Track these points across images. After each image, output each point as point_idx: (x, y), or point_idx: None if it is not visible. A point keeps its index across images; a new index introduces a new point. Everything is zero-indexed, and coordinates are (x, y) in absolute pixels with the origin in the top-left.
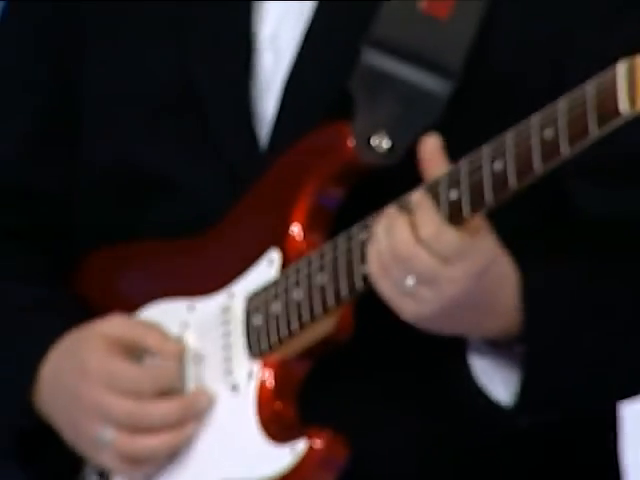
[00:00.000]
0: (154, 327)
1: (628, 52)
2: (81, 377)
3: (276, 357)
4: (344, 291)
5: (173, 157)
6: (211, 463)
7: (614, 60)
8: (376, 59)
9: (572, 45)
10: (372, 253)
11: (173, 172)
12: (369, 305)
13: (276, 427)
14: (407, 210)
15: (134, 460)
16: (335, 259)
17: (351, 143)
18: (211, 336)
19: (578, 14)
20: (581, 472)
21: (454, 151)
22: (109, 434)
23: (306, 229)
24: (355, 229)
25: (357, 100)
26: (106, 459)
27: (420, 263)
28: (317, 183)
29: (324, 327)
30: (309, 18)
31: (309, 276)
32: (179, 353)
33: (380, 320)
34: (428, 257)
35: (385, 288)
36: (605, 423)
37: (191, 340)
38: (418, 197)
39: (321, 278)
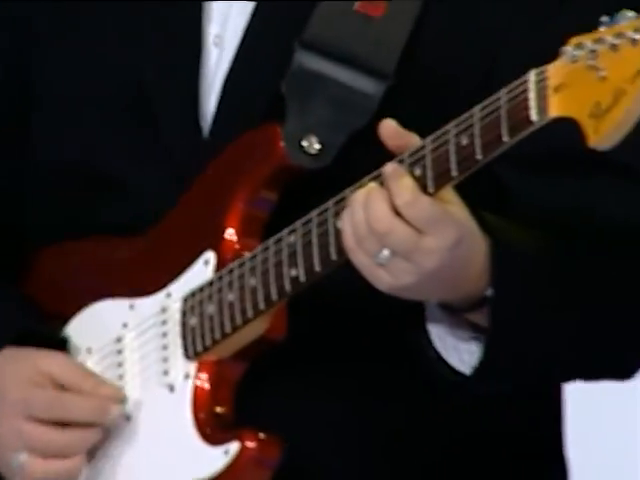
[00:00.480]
0: (91, 373)
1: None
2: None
3: (212, 358)
4: (274, 294)
5: (124, 157)
6: (145, 463)
7: (548, 57)
8: (309, 60)
9: (505, 43)
10: (347, 226)
11: (124, 171)
12: (303, 303)
13: (211, 428)
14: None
15: None
16: (265, 261)
17: (281, 145)
18: (149, 336)
19: (511, 11)
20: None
21: (386, 151)
22: (20, 458)
23: (240, 233)
24: (284, 232)
25: (289, 102)
26: None
27: (396, 236)
28: (249, 187)
29: (257, 328)
30: (250, 17)
31: (241, 278)
32: (115, 396)
33: (314, 318)
34: (404, 230)
35: (360, 260)
36: (551, 408)
37: (130, 340)
38: (391, 167)
39: (252, 280)
